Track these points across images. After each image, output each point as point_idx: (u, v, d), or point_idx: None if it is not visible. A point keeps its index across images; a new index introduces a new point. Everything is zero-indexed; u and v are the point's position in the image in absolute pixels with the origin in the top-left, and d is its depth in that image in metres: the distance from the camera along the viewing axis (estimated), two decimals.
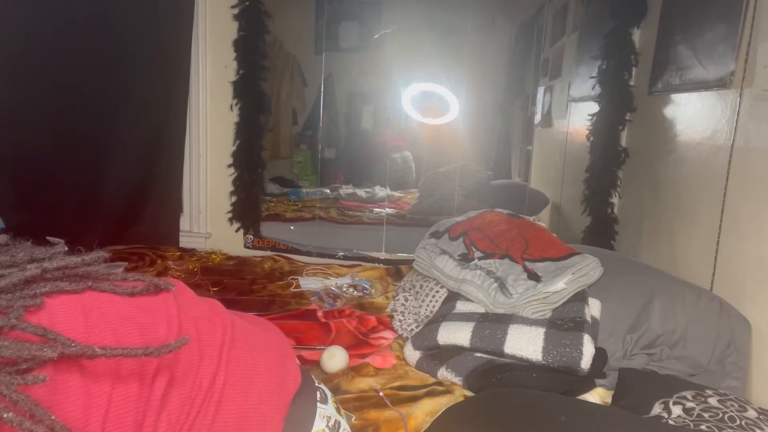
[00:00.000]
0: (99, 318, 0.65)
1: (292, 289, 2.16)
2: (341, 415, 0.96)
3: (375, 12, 2.84)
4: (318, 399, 0.92)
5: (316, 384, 0.96)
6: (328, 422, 0.90)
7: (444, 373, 1.46)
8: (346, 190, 2.97)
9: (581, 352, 1.34)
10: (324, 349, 1.55)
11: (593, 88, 2.38)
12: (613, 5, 2.29)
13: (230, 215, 2.66)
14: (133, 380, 0.65)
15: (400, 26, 2.79)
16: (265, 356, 0.85)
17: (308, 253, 2.64)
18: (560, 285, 1.55)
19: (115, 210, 2.56)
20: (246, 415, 0.76)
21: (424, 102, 2.77)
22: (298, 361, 1.10)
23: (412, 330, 1.74)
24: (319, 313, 1.91)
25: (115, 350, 0.60)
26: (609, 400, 1.36)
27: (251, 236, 2.68)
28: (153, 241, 2.55)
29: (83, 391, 0.59)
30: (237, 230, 2.68)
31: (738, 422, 1.12)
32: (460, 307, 1.66)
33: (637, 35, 2.31)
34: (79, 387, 0.59)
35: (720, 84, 1.67)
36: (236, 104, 2.54)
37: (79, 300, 0.65)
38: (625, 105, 2.31)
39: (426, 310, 1.81)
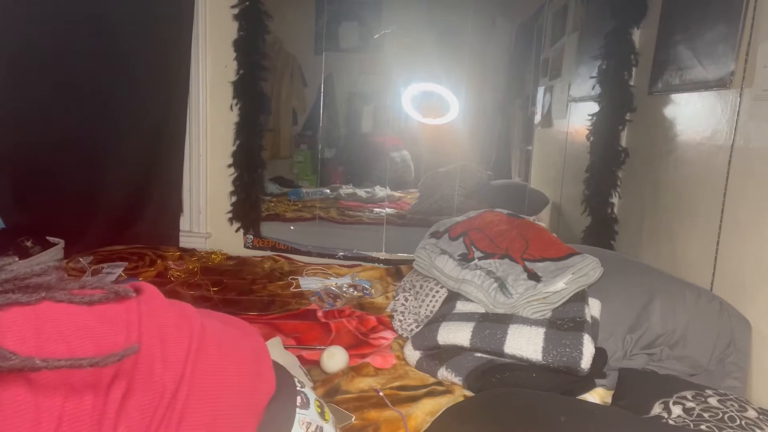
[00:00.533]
0: (53, 330, 0.63)
1: (292, 289, 2.16)
2: (326, 420, 0.93)
3: (375, 12, 2.84)
4: (298, 404, 0.89)
5: (298, 388, 0.94)
6: (308, 428, 0.87)
7: (444, 373, 1.46)
8: (346, 190, 2.97)
9: (581, 352, 1.34)
10: (324, 349, 1.55)
11: (593, 88, 2.38)
12: (613, 5, 2.29)
13: (230, 215, 2.66)
14: (88, 392, 0.62)
15: (400, 26, 2.79)
16: (237, 363, 0.82)
17: (308, 253, 2.64)
18: (560, 285, 1.55)
19: (115, 210, 2.56)
20: (213, 425, 0.74)
21: (424, 102, 2.77)
22: (296, 357, 1.09)
23: (412, 330, 1.74)
24: (319, 313, 1.91)
25: (58, 362, 0.57)
26: (609, 400, 1.36)
27: (251, 236, 2.68)
28: (153, 241, 2.55)
29: (32, 406, 0.57)
30: (237, 230, 2.68)
31: (738, 422, 1.12)
32: (460, 307, 1.66)
33: (637, 35, 2.31)
34: (28, 401, 0.57)
35: (720, 84, 1.67)
36: (236, 104, 2.54)
37: (33, 312, 0.63)
38: (625, 105, 2.31)
39: (426, 310, 1.81)
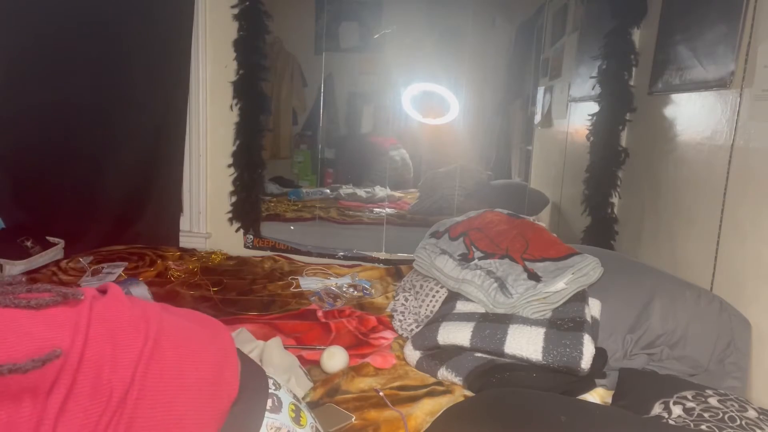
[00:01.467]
0: None
1: (292, 289, 2.16)
2: (301, 425, 0.89)
3: (375, 12, 2.84)
4: (268, 407, 0.86)
5: (272, 390, 0.90)
6: None
7: (444, 373, 1.46)
8: (346, 190, 2.97)
9: (581, 352, 1.34)
10: (324, 349, 1.55)
11: (593, 88, 2.38)
12: (613, 5, 2.29)
13: (230, 215, 2.66)
14: (26, 397, 0.61)
15: (400, 26, 2.78)
16: (196, 365, 0.79)
17: (308, 253, 2.64)
18: (560, 285, 1.55)
19: (115, 210, 2.56)
20: (167, 429, 0.72)
21: (424, 102, 2.77)
22: (296, 357, 1.08)
23: (412, 330, 1.74)
24: (319, 313, 1.91)
25: None
26: (609, 400, 1.36)
27: (251, 236, 2.68)
28: (153, 241, 2.55)
29: None
30: (237, 230, 2.68)
31: (738, 422, 1.12)
32: (460, 307, 1.66)
33: (637, 35, 2.31)
34: None
35: (720, 84, 1.67)
36: (236, 104, 2.54)
37: None
38: (625, 105, 2.31)
39: (426, 310, 1.81)
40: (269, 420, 0.84)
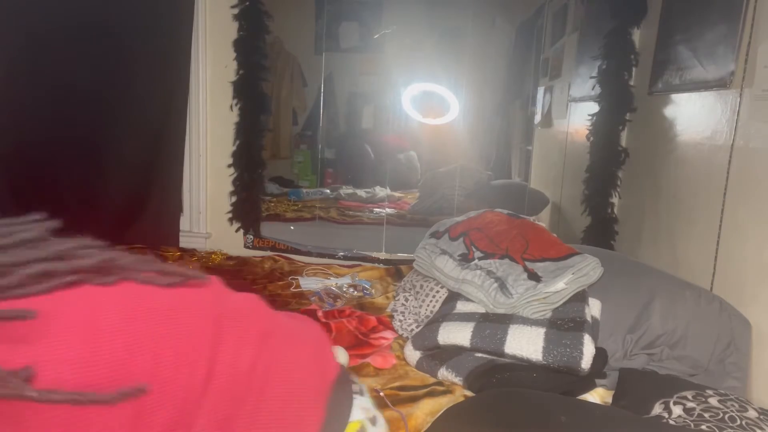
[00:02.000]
0: (144, 318, 0.62)
1: (292, 289, 2.16)
2: (377, 411, 0.98)
3: (375, 12, 2.85)
4: (355, 391, 0.94)
5: (351, 378, 0.99)
6: (366, 414, 0.91)
7: (444, 373, 1.46)
8: (346, 190, 2.98)
9: (581, 352, 1.34)
10: None
11: (593, 88, 2.38)
12: (613, 5, 2.29)
13: (230, 215, 2.65)
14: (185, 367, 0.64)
15: (400, 26, 2.79)
16: (304, 346, 0.87)
17: (308, 253, 2.64)
18: (560, 285, 1.55)
19: (115, 210, 2.56)
20: (290, 398, 0.77)
21: (424, 102, 2.77)
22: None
23: (412, 330, 1.74)
24: (319, 313, 1.91)
25: (50, 395, 0.51)
26: (609, 400, 1.36)
27: (251, 236, 2.67)
28: (153, 241, 2.55)
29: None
30: (237, 230, 2.68)
31: (738, 422, 1.12)
32: (461, 307, 1.66)
33: (637, 35, 2.31)
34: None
35: (720, 84, 1.67)
36: (236, 104, 2.54)
37: (112, 295, 0.63)
38: (625, 105, 2.31)
39: (426, 310, 1.81)
40: (358, 401, 0.92)
